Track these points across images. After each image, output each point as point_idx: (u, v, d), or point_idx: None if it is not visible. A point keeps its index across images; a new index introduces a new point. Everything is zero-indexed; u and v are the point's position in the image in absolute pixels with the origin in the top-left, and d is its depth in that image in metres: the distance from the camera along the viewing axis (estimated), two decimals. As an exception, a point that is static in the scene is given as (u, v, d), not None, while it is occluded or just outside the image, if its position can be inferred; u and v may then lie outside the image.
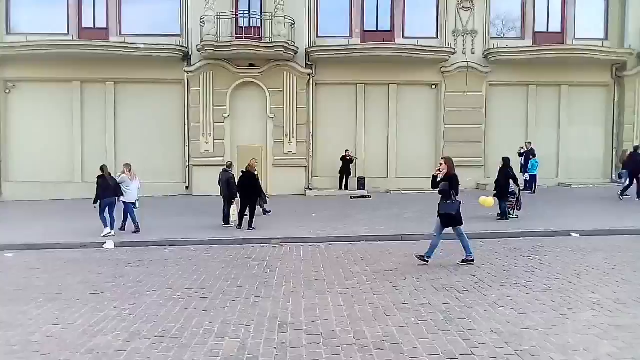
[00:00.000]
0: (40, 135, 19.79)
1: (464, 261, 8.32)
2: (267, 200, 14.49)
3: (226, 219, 12.74)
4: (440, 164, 8.49)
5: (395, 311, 5.96)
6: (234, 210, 12.62)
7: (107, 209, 11.69)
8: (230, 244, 10.93)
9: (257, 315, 5.92)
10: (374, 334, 5.21)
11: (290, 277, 7.84)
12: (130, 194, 12.16)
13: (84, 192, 19.58)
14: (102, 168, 12.08)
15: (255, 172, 12.81)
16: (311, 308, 6.16)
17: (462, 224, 8.28)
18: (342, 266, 8.48)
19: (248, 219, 12.29)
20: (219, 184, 13.05)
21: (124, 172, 12.37)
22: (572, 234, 10.89)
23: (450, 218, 8.21)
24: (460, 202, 8.24)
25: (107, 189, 11.77)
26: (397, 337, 5.13)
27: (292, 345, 4.99)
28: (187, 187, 19.97)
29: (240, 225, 12.39)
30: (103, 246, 10.89)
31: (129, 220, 12.26)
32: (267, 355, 4.75)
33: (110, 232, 11.62)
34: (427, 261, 8.30)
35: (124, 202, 12.14)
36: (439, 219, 8.37)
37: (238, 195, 12.53)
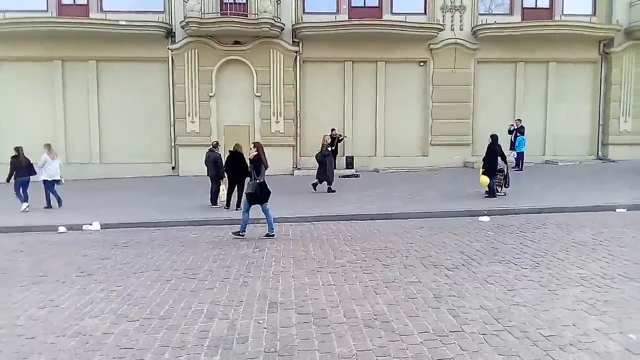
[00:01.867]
0: (21, 115, 19.28)
1: (266, 235, 9.20)
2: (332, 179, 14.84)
3: (213, 200, 12.63)
4: (251, 149, 9.56)
5: (385, 289, 5.95)
6: (222, 190, 12.52)
7: (21, 187, 12.67)
8: (219, 224, 10.85)
9: (246, 295, 5.88)
10: (364, 312, 5.20)
11: (279, 256, 7.80)
12: (50, 172, 12.98)
13: (68, 172, 19.40)
14: (17, 149, 12.90)
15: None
16: (301, 287, 6.13)
17: (265, 202, 9.18)
18: (331, 245, 8.46)
19: (236, 199, 12.19)
20: (206, 164, 12.91)
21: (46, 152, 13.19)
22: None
23: (252, 196, 9.11)
24: (259, 182, 9.13)
25: (21, 169, 12.68)
26: (388, 315, 5.13)
27: (282, 324, 4.97)
28: (173, 168, 19.73)
29: (228, 205, 12.29)
30: (84, 227, 10.74)
31: (54, 197, 13.19)
32: (257, 335, 4.71)
33: (27, 207, 12.58)
34: (243, 235, 9.17)
35: (44, 181, 12.98)
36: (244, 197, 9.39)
37: (226, 175, 12.43)
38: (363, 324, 4.91)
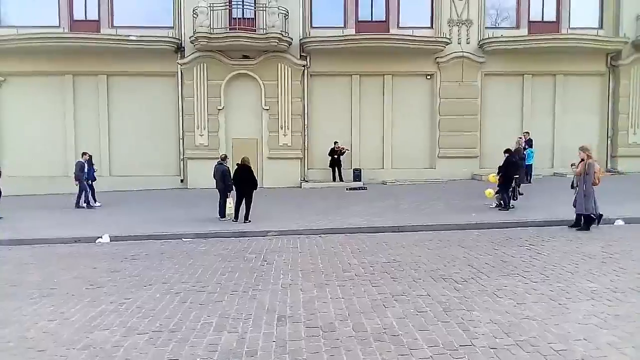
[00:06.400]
0: (33, 129, 19.59)
1: None
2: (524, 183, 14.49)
3: (222, 212, 12.67)
4: None
5: (394, 303, 5.93)
6: (230, 203, 12.58)
7: None
8: (227, 236, 10.88)
9: (255, 309, 5.87)
10: (373, 326, 5.18)
11: (287, 269, 7.79)
12: None
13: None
14: None
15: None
16: (309, 300, 6.12)
17: None
18: (339, 258, 8.44)
19: (244, 211, 12.24)
20: (214, 177, 12.98)
21: None
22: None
23: None
24: None
25: None
26: (397, 328, 5.10)
27: (291, 338, 4.96)
28: (182, 181, 19.87)
29: (236, 218, 12.34)
30: (96, 241, 10.82)
31: None
32: (266, 349, 4.71)
33: None
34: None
35: None
36: None
37: (233, 188, 12.49)
38: (372, 337, 4.89)
